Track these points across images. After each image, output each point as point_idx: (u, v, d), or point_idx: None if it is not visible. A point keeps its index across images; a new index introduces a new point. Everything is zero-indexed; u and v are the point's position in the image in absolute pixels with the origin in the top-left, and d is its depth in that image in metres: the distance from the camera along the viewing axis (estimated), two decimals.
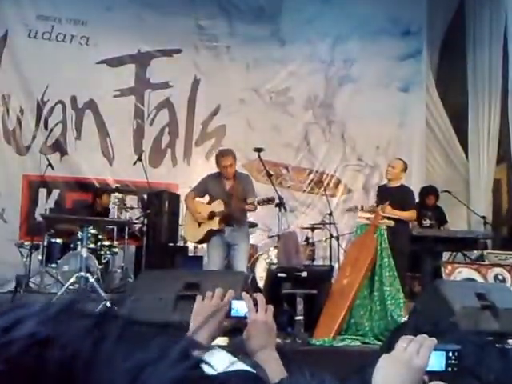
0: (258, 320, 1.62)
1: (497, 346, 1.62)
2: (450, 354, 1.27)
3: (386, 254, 5.40)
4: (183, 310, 4.29)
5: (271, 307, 1.66)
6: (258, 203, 5.97)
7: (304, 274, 4.83)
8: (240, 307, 1.67)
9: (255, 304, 1.65)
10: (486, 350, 1.56)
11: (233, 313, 1.67)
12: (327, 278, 5.22)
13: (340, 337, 4.94)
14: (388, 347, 1.76)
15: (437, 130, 10.54)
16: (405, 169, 6.85)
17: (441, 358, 1.27)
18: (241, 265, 6.22)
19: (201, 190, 6.50)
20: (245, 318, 1.65)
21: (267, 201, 5.96)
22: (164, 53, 9.77)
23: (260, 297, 1.66)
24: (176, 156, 9.68)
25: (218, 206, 6.21)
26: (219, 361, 1.54)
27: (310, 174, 10.16)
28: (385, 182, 7.22)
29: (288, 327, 4.58)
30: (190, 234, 6.71)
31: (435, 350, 1.27)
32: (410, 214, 6.39)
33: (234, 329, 1.69)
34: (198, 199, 6.49)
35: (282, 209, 6.26)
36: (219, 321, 1.68)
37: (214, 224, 6.19)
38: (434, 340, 1.27)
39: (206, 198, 6.51)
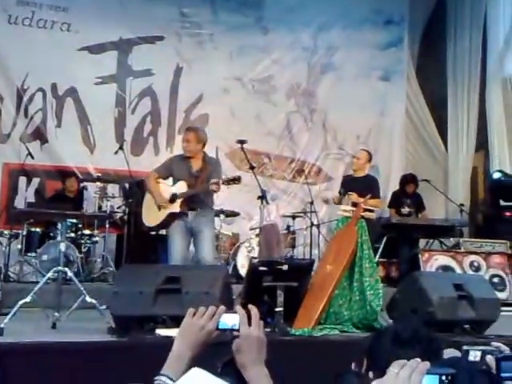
0: (252, 335, 1.57)
1: (489, 374, 1.60)
2: (444, 377, 1.23)
3: (366, 245, 5.39)
4: (163, 304, 4.26)
5: (261, 322, 1.61)
6: (223, 183, 5.52)
7: (285, 267, 4.78)
8: (228, 320, 1.62)
9: (248, 318, 1.60)
10: (476, 378, 1.55)
11: (220, 325, 1.62)
12: (308, 271, 5.18)
13: (319, 326, 4.92)
14: (369, 353, 1.74)
15: (416, 120, 10.57)
16: (369, 159, 6.84)
17: (434, 381, 1.23)
18: (207, 254, 5.70)
19: (164, 170, 6.01)
20: (232, 330, 1.60)
21: (233, 180, 5.50)
22: (146, 40, 9.62)
23: (254, 311, 1.61)
24: (158, 144, 9.58)
25: (181, 188, 5.78)
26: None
27: (291, 162, 10.13)
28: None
29: (268, 318, 4.55)
30: (148, 218, 6.03)
31: (429, 373, 1.23)
32: (375, 203, 6.40)
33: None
34: (161, 181, 5.98)
35: (264, 201, 6.17)
36: (203, 343, 1.62)
37: (175, 207, 5.74)
38: (426, 364, 1.24)
39: (170, 181, 6.03)
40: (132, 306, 4.26)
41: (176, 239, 5.80)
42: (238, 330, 1.58)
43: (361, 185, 6.42)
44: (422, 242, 8.64)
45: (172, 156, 6.32)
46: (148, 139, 9.57)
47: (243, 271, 7.24)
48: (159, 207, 5.86)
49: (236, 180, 5.53)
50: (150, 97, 9.63)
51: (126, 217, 8.05)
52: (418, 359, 1.26)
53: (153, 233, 7.99)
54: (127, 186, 8.54)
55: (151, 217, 5.97)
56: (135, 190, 8.05)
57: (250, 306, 1.62)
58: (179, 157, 6.08)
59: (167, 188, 5.93)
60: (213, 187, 5.54)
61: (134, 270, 4.92)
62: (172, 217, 5.79)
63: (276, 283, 4.71)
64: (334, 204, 6.74)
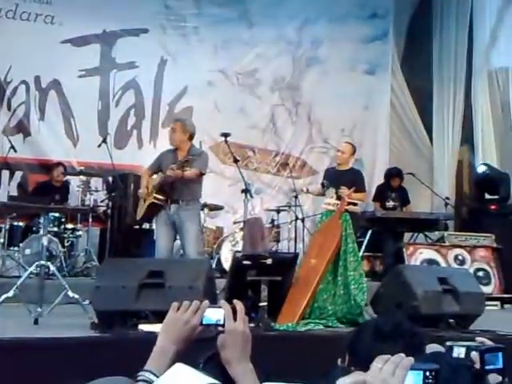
0: (237, 330, 1.55)
1: (471, 369, 1.59)
2: (428, 373, 1.21)
3: (350, 239, 5.37)
4: (146, 298, 4.22)
5: (246, 318, 1.59)
6: (178, 167, 5.48)
7: (269, 261, 4.77)
8: (213, 315, 1.59)
9: (234, 312, 1.57)
10: (460, 373, 1.53)
11: (204, 320, 1.59)
12: (292, 265, 5.16)
13: (303, 321, 4.91)
14: (351, 348, 1.72)
15: (401, 113, 10.59)
16: (353, 152, 6.82)
17: (418, 377, 1.21)
18: (190, 250, 5.65)
19: (154, 165, 6.01)
20: (217, 325, 1.57)
21: (185, 162, 5.49)
22: (130, 32, 9.54)
23: (239, 306, 1.58)
24: (142, 138, 9.52)
25: (158, 178, 5.79)
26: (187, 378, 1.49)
27: (276, 156, 10.12)
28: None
29: (252, 313, 4.54)
30: (138, 212, 6.09)
31: (413, 369, 1.22)
32: (360, 196, 6.40)
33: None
34: (154, 177, 5.97)
35: (248, 195, 6.15)
36: (187, 338, 1.59)
37: (152, 198, 5.71)
38: (410, 359, 1.22)
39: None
40: (115, 300, 4.22)
41: (160, 232, 5.84)
42: (222, 325, 1.55)
43: (345, 178, 6.41)
44: (407, 236, 8.67)
45: (162, 151, 6.24)
46: (132, 132, 9.51)
47: (227, 265, 7.22)
48: (144, 200, 5.88)
49: (187, 161, 5.51)
50: (134, 89, 9.56)
51: (109, 211, 8.02)
52: (402, 354, 1.24)
53: (136, 226, 7.99)
54: (110, 179, 8.51)
55: (138, 210, 6.06)
56: (118, 183, 8.02)
57: (235, 301, 1.60)
58: (167, 150, 6.06)
59: (152, 181, 5.95)
60: (169, 172, 5.51)
61: (117, 264, 4.88)
62: (152, 208, 5.77)
63: (260, 277, 4.69)
64: (312, 195, 6.71)
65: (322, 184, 6.43)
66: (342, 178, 6.38)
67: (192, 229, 5.74)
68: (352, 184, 6.07)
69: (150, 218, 6.02)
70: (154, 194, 5.71)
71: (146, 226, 8.04)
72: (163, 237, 5.75)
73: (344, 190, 5.89)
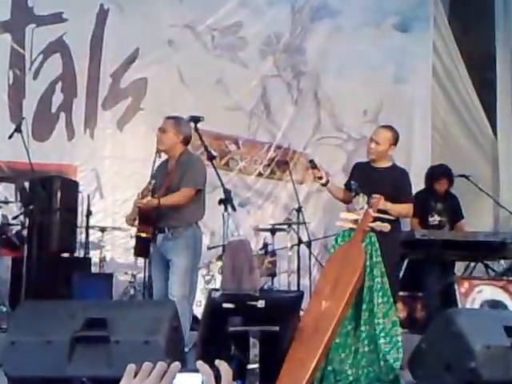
0: None
1: None
2: None
3: (378, 271, 5.41)
4: (82, 360, 4.24)
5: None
6: (145, 193, 6.02)
7: (260, 303, 4.80)
8: (187, 383, 1.61)
9: (216, 379, 1.60)
10: None
11: None
12: (294, 308, 5.20)
13: None
14: None
15: (450, 88, 10.63)
16: (395, 141, 6.57)
17: None
18: (174, 291, 6.01)
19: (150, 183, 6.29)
20: None
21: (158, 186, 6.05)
22: None
23: (224, 367, 1.61)
24: (73, 124, 9.54)
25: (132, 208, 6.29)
26: None
27: (269, 150, 10.18)
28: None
29: (237, 380, 4.56)
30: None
31: None
32: (406, 209, 6.36)
33: None
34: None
35: (229, 207, 6.18)
36: None
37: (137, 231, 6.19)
38: None
39: None
40: (36, 362, 4.24)
41: (153, 272, 6.34)
42: None
43: (382, 180, 6.37)
44: (460, 267, 8.72)
45: None
46: (58, 116, 9.53)
47: (199, 311, 7.24)
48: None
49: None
50: (61, 53, 9.59)
51: (25, 232, 7.98)
52: None
53: (65, 255, 7.98)
54: (27, 185, 8.49)
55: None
56: (39, 191, 7.98)
57: (218, 362, 1.63)
58: (164, 160, 6.49)
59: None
60: (137, 204, 6.03)
61: (39, 310, 4.89)
62: (141, 243, 6.15)
63: (248, 328, 4.72)
64: (334, 196, 6.71)
65: (349, 187, 6.32)
66: (378, 180, 6.35)
67: (179, 264, 6.09)
68: (393, 189, 6.08)
69: (144, 253, 6.35)
70: (137, 228, 6.12)
71: (79, 253, 8.06)
72: (156, 277, 6.28)
73: (378, 199, 5.84)
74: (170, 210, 6.05)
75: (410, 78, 10.62)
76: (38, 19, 9.53)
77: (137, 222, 6.11)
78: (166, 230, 6.10)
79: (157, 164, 6.42)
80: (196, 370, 1.58)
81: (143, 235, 6.05)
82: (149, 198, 5.91)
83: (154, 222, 6.04)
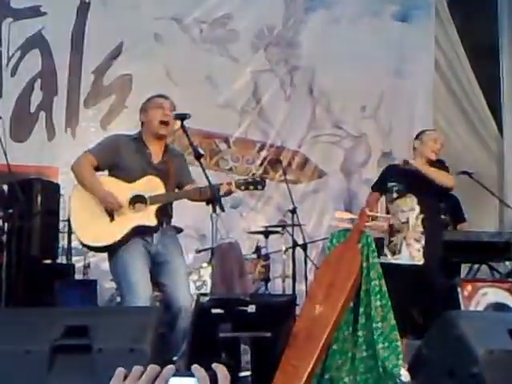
0: None
1: None
2: None
3: (375, 273, 5.41)
4: (63, 370, 4.24)
5: None
6: (239, 186, 5.71)
7: (251, 308, 4.81)
8: None
9: (212, 381, 1.60)
10: None
11: None
12: (287, 313, 5.22)
13: None
14: None
15: (453, 82, 10.65)
16: None
17: None
18: (183, 296, 5.35)
19: (107, 154, 5.70)
20: None
21: (254, 183, 5.71)
22: None
23: (221, 369, 1.61)
24: (54, 124, 9.57)
25: (149, 187, 5.60)
26: None
27: (261, 149, 10.21)
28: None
29: None
30: (88, 231, 5.59)
31: None
32: (450, 178, 6.60)
33: None
34: (100, 174, 5.70)
35: (218, 208, 6.15)
36: None
37: (146, 217, 5.53)
38: None
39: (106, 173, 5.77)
40: (14, 373, 4.23)
41: (137, 266, 5.53)
42: None
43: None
44: (463, 269, 8.73)
45: (113, 135, 6.05)
46: (37, 116, 9.55)
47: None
48: (111, 214, 5.60)
49: (258, 184, 5.66)
50: (40, 49, 9.61)
51: (4, 237, 7.99)
52: None
53: (47, 261, 7.98)
54: (6, 188, 8.50)
55: (96, 230, 5.62)
56: (18, 194, 7.99)
57: (216, 365, 1.62)
58: (128, 138, 5.86)
59: (119, 186, 5.65)
60: (225, 188, 5.70)
61: (17, 317, 4.88)
62: (134, 233, 5.55)
63: (239, 334, 4.73)
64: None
65: (386, 189, 6.41)
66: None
67: (182, 265, 5.70)
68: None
69: (118, 246, 5.56)
70: (154, 213, 5.58)
71: (61, 259, 8.06)
72: (143, 275, 5.51)
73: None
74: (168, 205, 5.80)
75: (411, 70, 10.65)
76: (15, 13, 9.56)
77: None
78: (164, 226, 5.70)
79: None
80: (190, 374, 1.58)
81: (151, 225, 5.59)
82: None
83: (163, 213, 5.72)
